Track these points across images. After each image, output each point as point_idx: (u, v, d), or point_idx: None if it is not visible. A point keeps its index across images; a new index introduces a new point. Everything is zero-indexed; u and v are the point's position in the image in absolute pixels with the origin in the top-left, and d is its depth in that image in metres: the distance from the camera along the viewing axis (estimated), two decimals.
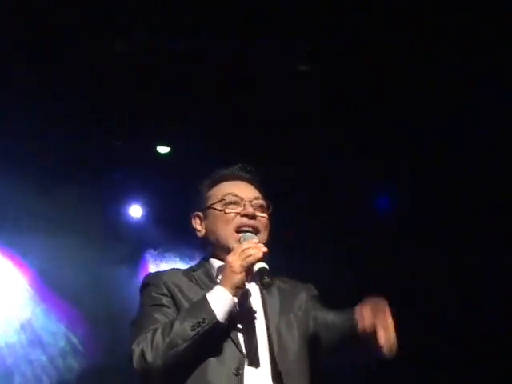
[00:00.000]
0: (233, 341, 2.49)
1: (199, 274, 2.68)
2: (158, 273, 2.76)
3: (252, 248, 2.51)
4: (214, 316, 2.43)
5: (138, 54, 5.59)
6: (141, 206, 6.67)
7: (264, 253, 2.51)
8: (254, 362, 2.48)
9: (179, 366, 2.44)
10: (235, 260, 2.50)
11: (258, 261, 2.48)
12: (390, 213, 6.65)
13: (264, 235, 2.69)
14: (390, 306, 2.37)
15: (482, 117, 5.68)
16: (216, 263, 2.69)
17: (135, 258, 6.76)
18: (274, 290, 2.66)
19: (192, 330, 2.41)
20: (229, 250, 2.59)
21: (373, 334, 2.31)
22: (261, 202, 2.74)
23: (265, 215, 2.72)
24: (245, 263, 2.48)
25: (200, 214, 2.78)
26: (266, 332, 2.54)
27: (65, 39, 5.39)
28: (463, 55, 5.32)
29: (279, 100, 6.01)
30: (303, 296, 2.71)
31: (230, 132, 6.04)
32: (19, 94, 5.57)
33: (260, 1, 5.22)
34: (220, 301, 2.46)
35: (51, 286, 6.40)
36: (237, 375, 2.43)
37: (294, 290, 2.73)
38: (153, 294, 2.62)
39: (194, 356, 2.45)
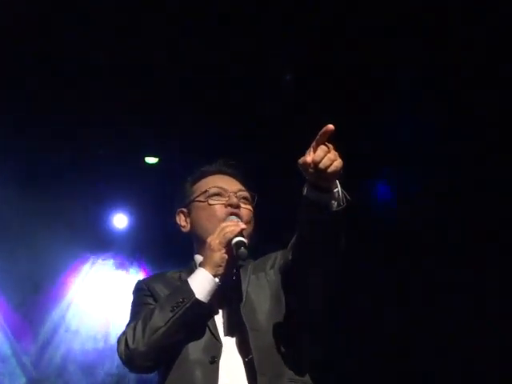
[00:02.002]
0: (209, 327, 2.46)
1: (184, 273, 2.66)
2: (146, 277, 2.80)
3: (230, 226, 2.50)
4: (193, 294, 2.41)
5: (124, 64, 5.61)
6: (128, 216, 6.64)
7: (242, 229, 2.49)
8: (230, 349, 2.45)
9: (161, 351, 2.43)
10: (214, 239, 2.49)
11: (236, 236, 2.45)
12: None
13: (249, 226, 2.64)
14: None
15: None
16: (199, 259, 2.64)
17: (123, 267, 6.73)
18: (250, 268, 2.63)
19: (171, 311, 2.40)
20: None
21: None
22: (245, 193, 2.73)
23: (249, 206, 2.71)
24: (223, 239, 2.46)
25: (184, 209, 2.76)
26: (241, 313, 2.48)
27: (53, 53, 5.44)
28: None
29: (268, 109, 6.00)
30: (274, 256, 2.66)
31: (219, 142, 6.02)
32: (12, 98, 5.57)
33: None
34: (199, 280, 2.45)
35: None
36: (212, 363, 2.40)
37: (267, 256, 2.69)
38: (139, 296, 2.65)
39: (175, 340, 2.42)
